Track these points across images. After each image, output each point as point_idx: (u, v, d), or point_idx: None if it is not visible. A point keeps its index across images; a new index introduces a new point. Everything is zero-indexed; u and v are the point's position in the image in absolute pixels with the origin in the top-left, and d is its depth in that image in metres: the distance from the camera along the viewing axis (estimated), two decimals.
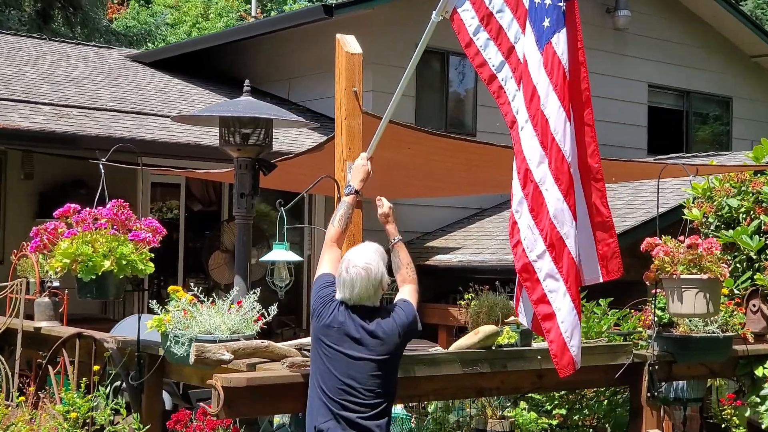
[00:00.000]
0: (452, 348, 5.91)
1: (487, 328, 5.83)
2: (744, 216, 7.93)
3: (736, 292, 7.59)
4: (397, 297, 4.71)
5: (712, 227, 8.20)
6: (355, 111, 5.32)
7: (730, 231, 7.63)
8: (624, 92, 15.72)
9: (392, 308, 4.52)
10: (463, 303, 10.88)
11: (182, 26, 34.03)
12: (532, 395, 6.84)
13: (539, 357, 6.07)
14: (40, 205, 10.48)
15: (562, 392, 6.87)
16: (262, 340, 5.62)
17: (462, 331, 9.35)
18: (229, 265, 11.07)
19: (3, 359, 7.45)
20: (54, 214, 6.29)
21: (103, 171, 6.40)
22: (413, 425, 6.49)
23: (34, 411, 6.59)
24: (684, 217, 7.93)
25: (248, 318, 5.80)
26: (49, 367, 7.09)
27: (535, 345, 6.39)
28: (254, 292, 5.82)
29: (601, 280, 4.30)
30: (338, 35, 5.36)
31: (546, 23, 4.05)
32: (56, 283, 7.69)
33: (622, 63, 15.71)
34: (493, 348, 5.92)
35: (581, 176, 4.17)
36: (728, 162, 11.98)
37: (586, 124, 4.16)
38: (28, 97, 10.60)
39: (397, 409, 6.70)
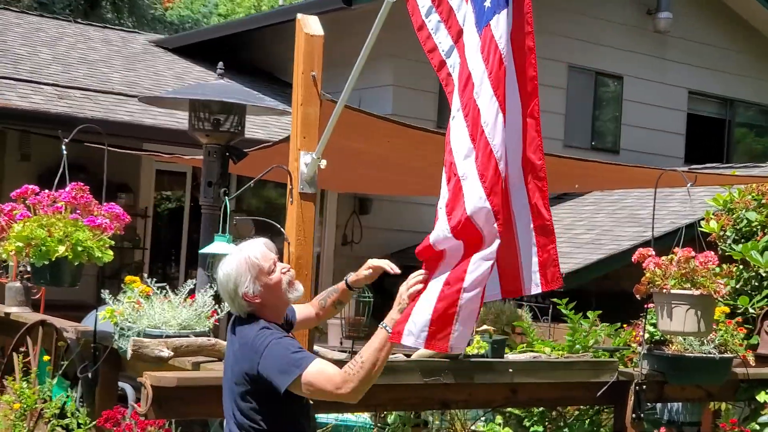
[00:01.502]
0: (415, 356, 5.53)
1: None
2: (760, 230, 7.44)
3: (750, 311, 7.12)
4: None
5: (729, 241, 7.72)
6: (312, 97, 4.95)
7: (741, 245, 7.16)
8: (663, 98, 15.16)
9: (257, 329, 3.62)
10: None
11: (235, 17, 33.90)
12: (511, 410, 6.44)
13: (511, 370, 5.69)
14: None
15: (542, 408, 6.46)
16: (209, 338, 5.31)
17: None
18: None
19: None
20: (12, 194, 6.04)
21: (65, 152, 6.15)
22: None
23: None
24: (701, 229, 7.46)
25: (201, 313, 5.50)
26: (15, 354, 6.85)
27: (510, 357, 6.00)
28: (210, 286, 5.51)
29: (540, 290, 3.86)
30: (299, 15, 5.01)
31: (487, 3, 3.64)
32: None
33: (661, 67, 15.15)
34: (460, 358, 5.54)
35: (523, 173, 3.75)
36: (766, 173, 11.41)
37: (531, 116, 3.73)
38: (34, 77, 10.40)
39: (363, 417, 6.35)
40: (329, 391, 3.44)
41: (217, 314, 5.41)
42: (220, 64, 6.23)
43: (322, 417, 6.30)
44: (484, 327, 5.77)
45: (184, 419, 5.38)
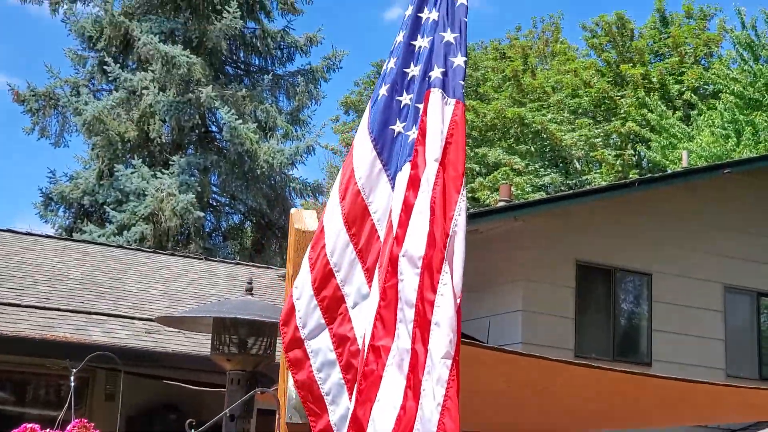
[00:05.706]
0: None
1: None
2: None
3: None
4: None
5: None
6: None
7: None
8: None
9: None
10: None
11: None
12: None
13: None
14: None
15: None
16: None
17: None
18: None
19: None
20: None
21: (73, 383, 5.45)
22: None
23: None
24: None
25: None
26: None
27: None
28: None
29: None
30: (293, 210, 4.34)
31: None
32: None
33: None
34: None
35: None
36: None
37: None
38: (131, 312, 10.02)
39: None
40: None
41: None
42: (249, 277, 5.53)
43: None
44: None
45: None
